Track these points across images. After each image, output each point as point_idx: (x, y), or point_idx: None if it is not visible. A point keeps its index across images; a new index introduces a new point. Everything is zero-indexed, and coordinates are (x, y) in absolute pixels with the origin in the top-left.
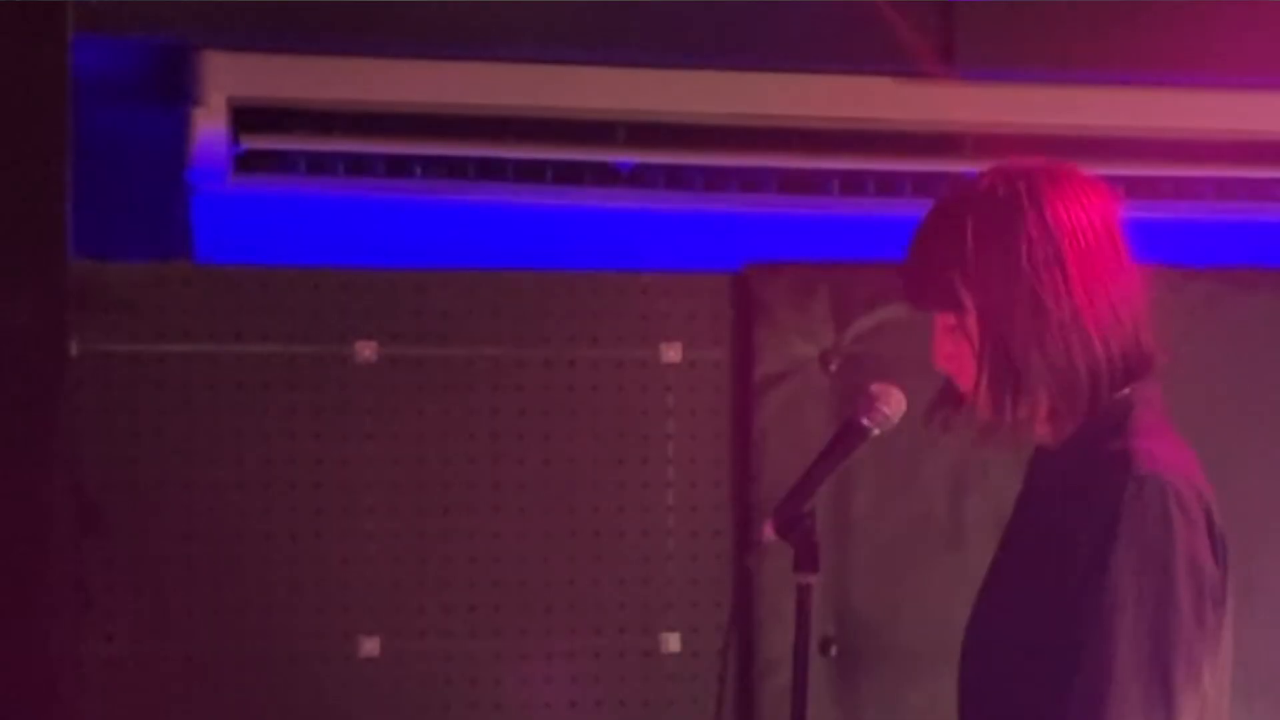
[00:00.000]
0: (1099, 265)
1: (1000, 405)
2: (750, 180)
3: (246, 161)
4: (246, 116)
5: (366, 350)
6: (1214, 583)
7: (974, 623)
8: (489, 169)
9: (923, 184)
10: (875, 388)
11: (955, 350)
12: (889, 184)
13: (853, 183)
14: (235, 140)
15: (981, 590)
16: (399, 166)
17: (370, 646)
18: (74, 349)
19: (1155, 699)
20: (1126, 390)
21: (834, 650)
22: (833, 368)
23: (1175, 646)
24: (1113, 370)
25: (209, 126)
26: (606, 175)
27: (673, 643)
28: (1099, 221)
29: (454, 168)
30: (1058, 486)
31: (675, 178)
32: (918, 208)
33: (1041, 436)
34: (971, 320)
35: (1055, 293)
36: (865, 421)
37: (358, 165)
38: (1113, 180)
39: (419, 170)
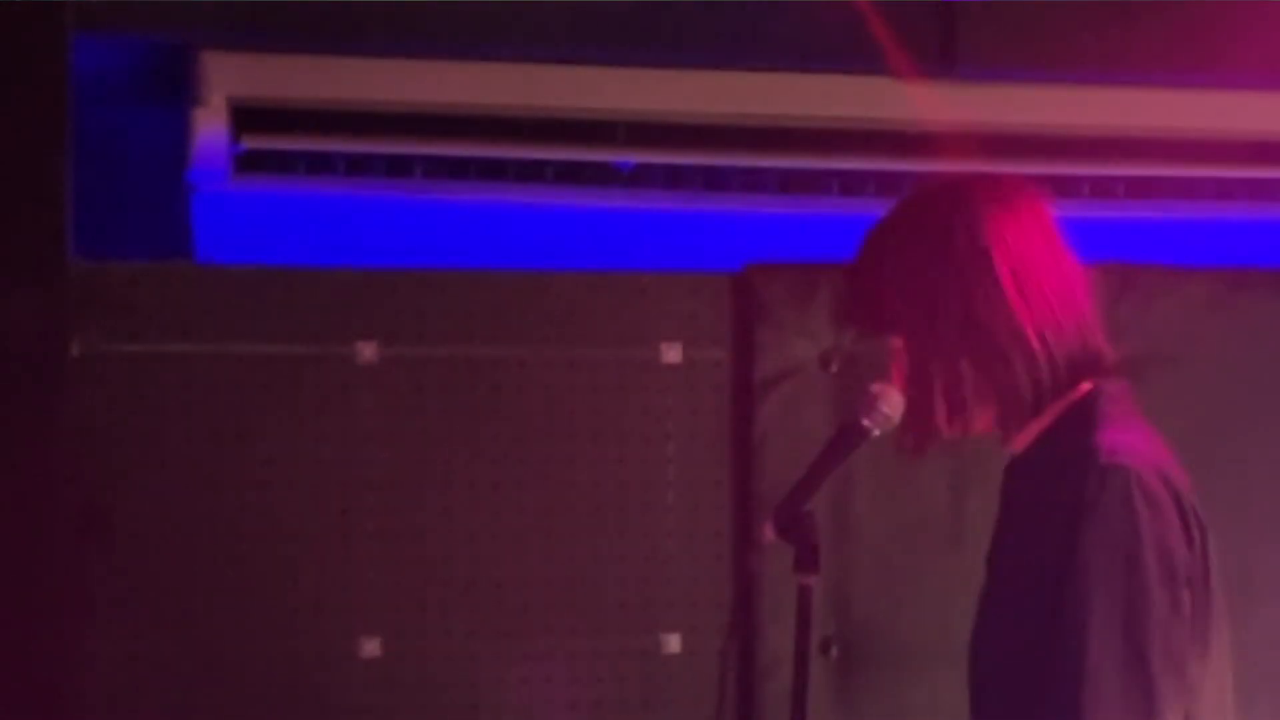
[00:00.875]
0: (1034, 270)
1: (934, 418)
2: (750, 180)
3: (247, 161)
4: (247, 116)
5: (367, 350)
6: (1188, 567)
7: (974, 630)
8: (489, 169)
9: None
10: (875, 388)
11: (899, 371)
12: (889, 184)
13: (853, 183)
14: (235, 140)
15: (978, 604)
16: (399, 166)
17: (371, 647)
18: (75, 349)
19: (1133, 688)
20: (1088, 386)
21: (834, 650)
22: (833, 368)
23: (1149, 634)
24: (1055, 373)
25: (209, 126)
26: (606, 175)
27: (673, 643)
28: (1031, 226)
29: (454, 168)
30: (1029, 489)
31: (675, 178)
32: None
33: (997, 440)
34: (906, 338)
35: (988, 303)
36: (865, 422)
37: (358, 165)
38: (1113, 180)
39: (419, 170)
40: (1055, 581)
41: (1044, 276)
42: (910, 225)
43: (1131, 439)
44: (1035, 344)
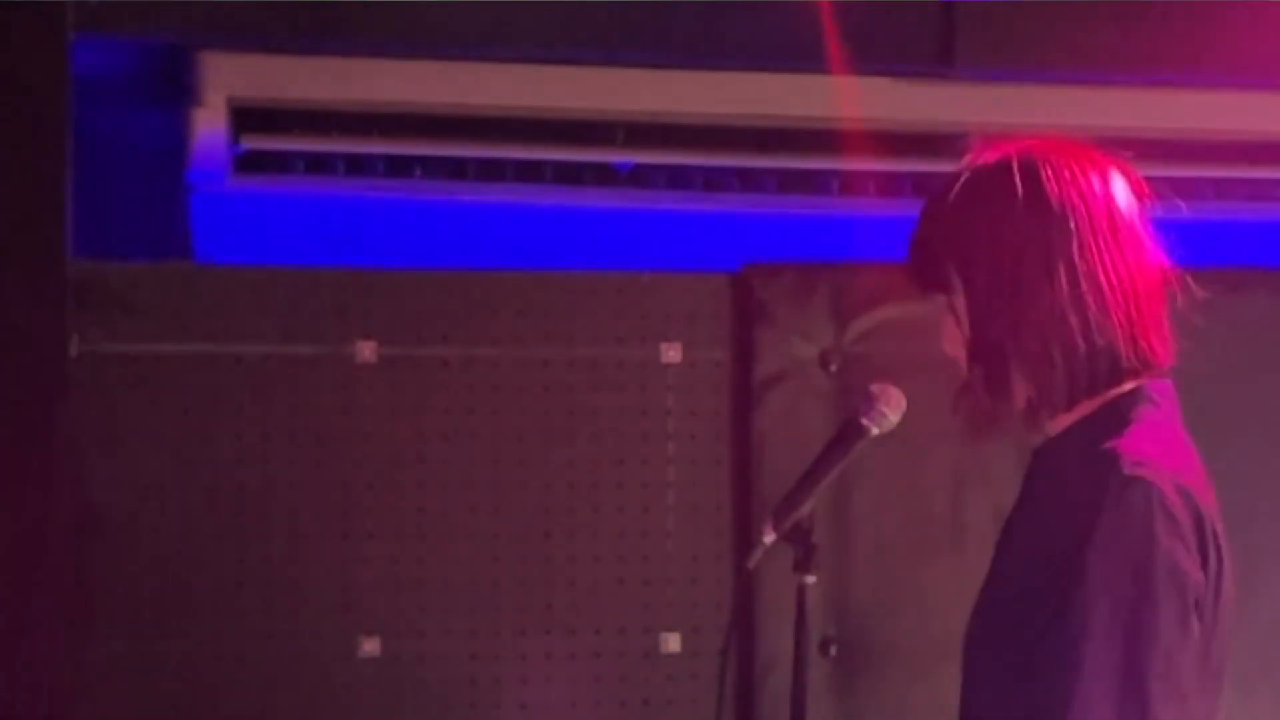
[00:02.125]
0: (1091, 255)
1: (979, 392)
2: (750, 180)
3: (246, 161)
4: (246, 117)
5: (366, 350)
6: (1199, 590)
7: (971, 622)
8: (489, 169)
9: (923, 184)
10: (875, 388)
11: (952, 333)
12: (889, 184)
13: (853, 183)
14: (235, 140)
15: (981, 589)
16: (398, 166)
17: (371, 646)
18: (74, 349)
19: (1129, 705)
20: (1130, 386)
21: (834, 650)
22: (832, 368)
23: (1151, 652)
24: (1095, 367)
25: (209, 127)
26: (606, 175)
27: (673, 643)
28: (1099, 209)
29: (454, 168)
30: (1050, 482)
31: (675, 178)
32: (918, 208)
33: (1026, 429)
34: (960, 302)
35: (1035, 281)
36: (865, 421)
37: (357, 165)
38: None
39: (419, 170)
40: (1061, 584)
41: (1103, 264)
42: (975, 185)
43: (1160, 450)
44: (1078, 337)
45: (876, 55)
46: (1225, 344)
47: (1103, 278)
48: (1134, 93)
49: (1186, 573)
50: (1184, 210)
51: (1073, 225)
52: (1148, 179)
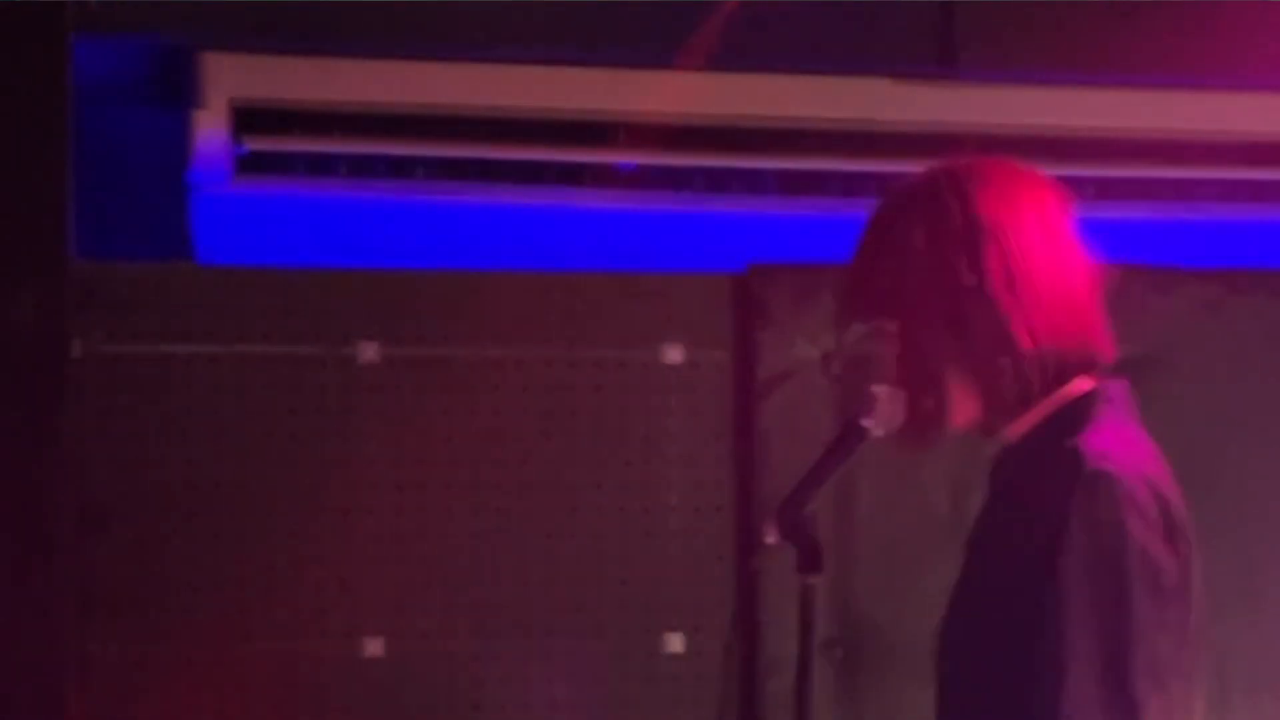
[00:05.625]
0: (1027, 262)
1: (921, 409)
2: (751, 181)
3: (248, 163)
4: (248, 118)
5: (368, 351)
6: (1172, 577)
7: (943, 630)
8: (490, 170)
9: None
10: (876, 389)
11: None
12: (890, 185)
13: (854, 184)
14: (236, 141)
15: (951, 593)
16: (400, 167)
17: (374, 647)
18: (76, 350)
19: (1114, 702)
20: (1087, 385)
21: (838, 651)
22: (834, 369)
23: (1133, 646)
24: (1044, 371)
25: (210, 128)
26: (607, 176)
27: (676, 643)
28: (1030, 218)
29: (455, 169)
30: (1014, 484)
31: (676, 179)
32: None
33: (983, 436)
34: (902, 324)
35: (975, 293)
36: (866, 422)
37: (359, 166)
38: (1113, 182)
39: (420, 171)
40: (1035, 586)
41: (1039, 269)
42: (905, 210)
43: (1121, 445)
44: (1023, 341)
45: (877, 55)
46: (1225, 344)
47: (1040, 282)
48: (1134, 93)
49: (1159, 561)
50: (1185, 210)
51: (1005, 234)
52: (1150, 180)
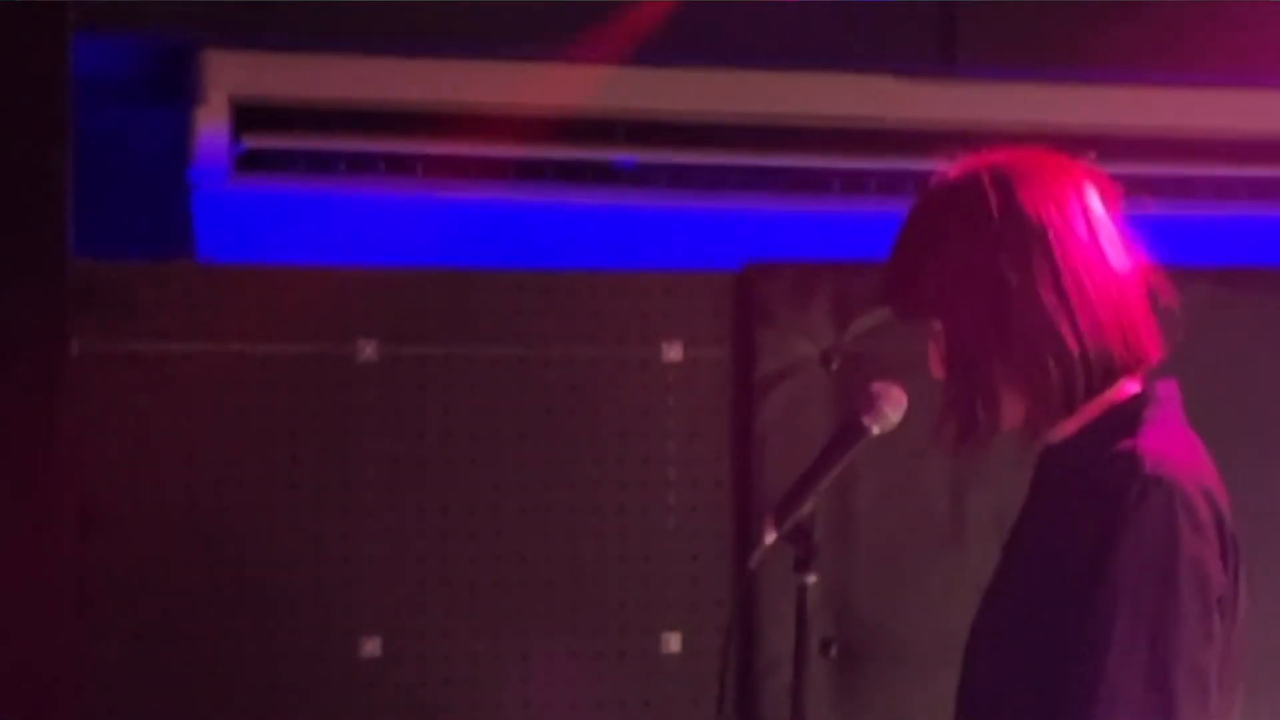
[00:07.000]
0: (1073, 261)
1: (966, 411)
2: (751, 179)
3: (247, 160)
4: (248, 115)
5: (368, 349)
6: (1222, 591)
7: (976, 626)
8: (490, 168)
9: (923, 183)
10: (876, 387)
11: (937, 356)
12: (890, 183)
13: (854, 182)
14: (236, 139)
15: (986, 593)
16: (400, 165)
17: (372, 646)
18: (75, 348)
19: (1154, 706)
20: (1134, 387)
21: (834, 650)
22: (834, 367)
23: (1177, 657)
24: (1089, 371)
25: (210, 125)
26: (607, 174)
27: (673, 643)
28: (1075, 215)
29: (455, 167)
30: (1063, 485)
31: (676, 176)
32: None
33: (1026, 438)
34: (945, 324)
35: (1021, 293)
36: (866, 420)
37: (359, 163)
38: (1113, 180)
39: (420, 169)
40: (1081, 587)
41: (1085, 269)
42: (949, 208)
43: (1176, 450)
44: (1070, 342)
45: (877, 54)
46: (1225, 344)
47: (1087, 281)
48: (1134, 91)
49: (1209, 573)
50: (1184, 209)
51: (1051, 233)
52: (1149, 178)
